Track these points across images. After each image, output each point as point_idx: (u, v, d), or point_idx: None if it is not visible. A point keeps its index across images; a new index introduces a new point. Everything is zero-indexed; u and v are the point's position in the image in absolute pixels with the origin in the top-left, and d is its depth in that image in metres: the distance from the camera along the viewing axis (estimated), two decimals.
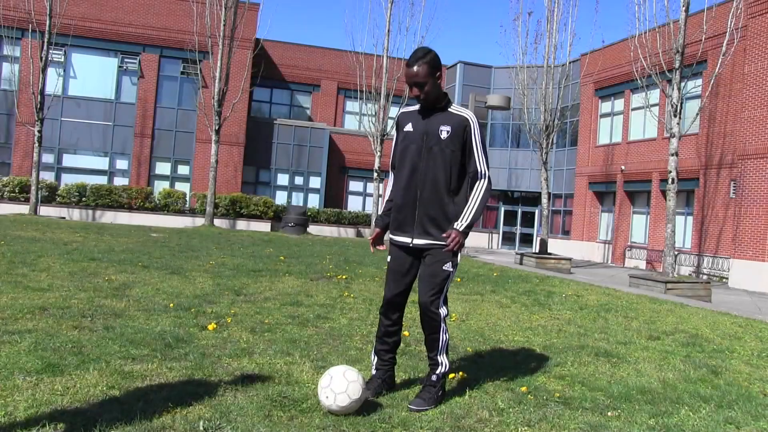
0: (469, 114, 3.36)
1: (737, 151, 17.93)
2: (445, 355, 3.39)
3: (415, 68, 3.24)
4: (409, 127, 3.41)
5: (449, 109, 3.36)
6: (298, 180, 26.35)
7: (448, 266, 3.33)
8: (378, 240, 3.58)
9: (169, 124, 24.24)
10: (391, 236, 3.49)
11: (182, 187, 24.16)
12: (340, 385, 2.98)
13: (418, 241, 3.36)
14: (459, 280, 9.36)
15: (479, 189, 3.35)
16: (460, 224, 3.29)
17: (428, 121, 3.37)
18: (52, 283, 6.14)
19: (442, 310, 3.35)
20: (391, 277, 3.46)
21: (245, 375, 3.58)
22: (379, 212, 3.62)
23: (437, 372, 3.36)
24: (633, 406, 3.59)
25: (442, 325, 3.36)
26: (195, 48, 21.59)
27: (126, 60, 23.82)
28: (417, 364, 4.12)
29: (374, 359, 3.54)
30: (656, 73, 13.21)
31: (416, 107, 3.46)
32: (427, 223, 3.33)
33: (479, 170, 3.35)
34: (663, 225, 19.82)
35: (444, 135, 3.32)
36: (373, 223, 3.82)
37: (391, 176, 3.55)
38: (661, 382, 4.17)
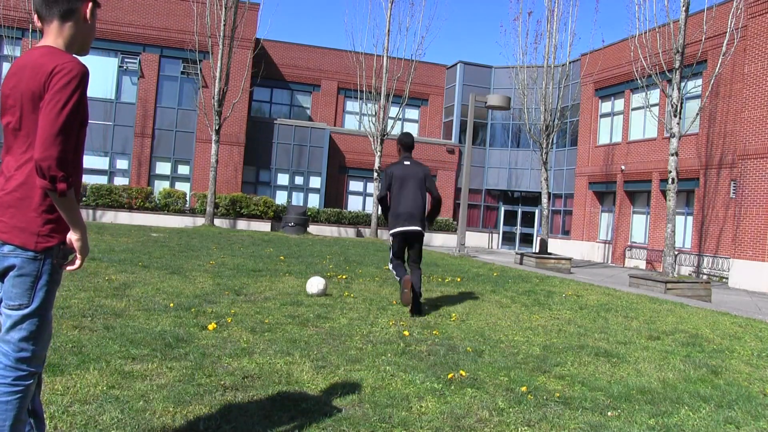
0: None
1: (737, 151, 17.92)
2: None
3: None
4: None
5: None
6: (298, 180, 26.33)
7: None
8: None
9: (169, 124, 24.23)
10: None
11: (182, 186, 24.15)
12: None
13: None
14: (459, 279, 9.37)
15: None
16: None
17: None
18: None
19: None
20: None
21: (245, 375, 3.58)
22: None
23: None
24: (633, 406, 3.59)
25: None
26: (195, 48, 21.58)
27: (126, 60, 23.81)
28: (417, 364, 4.13)
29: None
30: (656, 73, 13.20)
31: None
32: None
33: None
34: (663, 225, 19.82)
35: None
36: None
37: None
38: (661, 382, 4.18)
